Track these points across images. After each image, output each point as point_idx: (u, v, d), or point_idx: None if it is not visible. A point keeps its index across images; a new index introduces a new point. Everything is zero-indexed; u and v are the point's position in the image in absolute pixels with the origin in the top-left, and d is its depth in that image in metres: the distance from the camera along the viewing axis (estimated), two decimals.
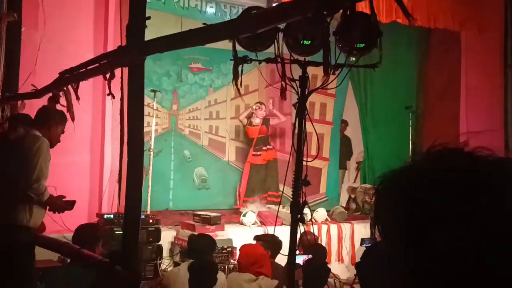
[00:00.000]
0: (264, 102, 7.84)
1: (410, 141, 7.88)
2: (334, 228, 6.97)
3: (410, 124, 7.96)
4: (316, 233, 6.46)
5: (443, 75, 8.51)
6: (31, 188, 3.53)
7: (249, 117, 7.85)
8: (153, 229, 5.57)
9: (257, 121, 7.79)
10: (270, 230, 6.26)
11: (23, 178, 3.56)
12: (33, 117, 3.91)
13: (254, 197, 7.33)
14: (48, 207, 3.70)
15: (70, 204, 3.75)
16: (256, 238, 5.13)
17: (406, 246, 0.68)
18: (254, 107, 7.76)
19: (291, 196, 3.35)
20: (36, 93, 4.15)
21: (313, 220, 6.61)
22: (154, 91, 6.81)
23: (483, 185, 0.67)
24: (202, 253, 4.22)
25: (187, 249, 4.63)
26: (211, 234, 5.78)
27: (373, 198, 0.75)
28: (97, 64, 3.23)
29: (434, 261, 0.66)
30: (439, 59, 8.58)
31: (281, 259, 4.51)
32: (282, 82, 3.28)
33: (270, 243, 4.82)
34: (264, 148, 7.72)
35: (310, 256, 4.71)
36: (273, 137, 8.10)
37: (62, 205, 3.70)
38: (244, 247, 4.77)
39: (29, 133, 3.71)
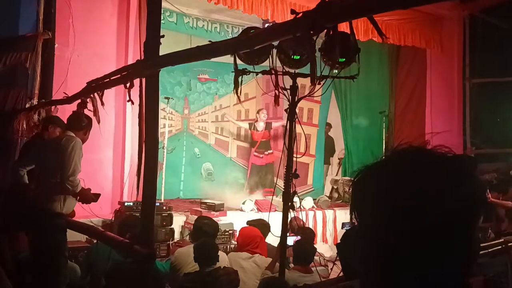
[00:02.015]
0: (264, 108, 7.79)
1: (383, 141, 7.90)
2: (319, 214, 6.98)
3: (384, 126, 8.00)
4: (304, 218, 6.46)
5: (411, 84, 8.53)
6: (68, 181, 3.56)
7: (254, 123, 7.82)
8: (166, 214, 5.57)
9: (261, 125, 7.76)
10: (265, 216, 6.25)
11: (61, 172, 3.59)
12: (64, 121, 3.93)
13: (254, 191, 7.35)
14: (78, 198, 3.71)
15: (96, 197, 3.79)
16: (248, 222, 5.12)
17: (376, 231, 0.68)
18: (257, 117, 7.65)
19: (283, 187, 3.35)
20: (67, 100, 4.14)
21: (301, 207, 6.62)
22: (167, 98, 6.80)
23: (439, 178, 0.67)
24: (208, 235, 4.20)
25: (193, 230, 4.61)
26: (215, 219, 5.79)
27: (351, 189, 0.75)
28: (119, 75, 3.22)
29: (398, 236, 0.66)
30: (408, 71, 8.60)
31: (274, 241, 4.51)
32: (276, 91, 3.27)
33: (260, 226, 4.82)
34: (265, 152, 7.70)
35: (299, 237, 4.71)
36: (274, 138, 8.06)
37: (90, 196, 3.73)
38: (242, 230, 4.77)
39: (65, 134, 3.74)
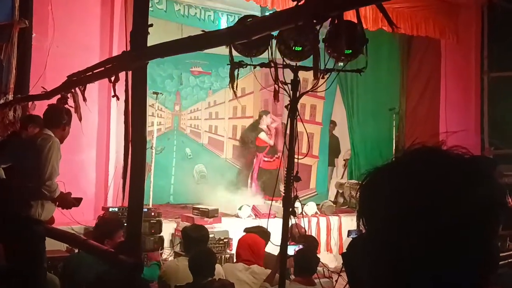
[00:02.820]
0: (269, 111, 7.79)
1: (393, 140, 7.91)
2: (323, 220, 6.98)
3: (394, 125, 8.00)
4: (306, 225, 6.46)
5: (424, 79, 8.54)
6: (44, 186, 3.53)
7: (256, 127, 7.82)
8: (155, 221, 5.56)
9: (264, 127, 7.75)
10: (263, 222, 6.25)
11: (37, 176, 3.57)
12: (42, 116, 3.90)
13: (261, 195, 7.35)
14: (57, 203, 3.70)
15: (78, 201, 3.75)
16: (246, 230, 5.12)
17: (387, 238, 0.69)
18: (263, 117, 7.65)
19: (283, 191, 3.35)
20: (46, 95, 4.13)
21: (303, 213, 6.62)
22: (156, 93, 6.79)
23: (455, 180, 0.68)
24: (199, 244, 4.20)
25: (184, 241, 4.60)
26: (209, 226, 5.77)
27: (359, 193, 0.75)
28: (103, 68, 3.21)
29: (412, 237, 0.67)
30: (420, 64, 8.61)
31: (274, 250, 4.51)
32: (275, 85, 3.28)
33: (259, 234, 4.82)
34: (275, 157, 7.71)
35: (300, 246, 4.71)
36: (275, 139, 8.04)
37: (70, 201, 3.71)
38: (243, 238, 4.77)
39: (41, 133, 3.71)
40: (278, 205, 6.19)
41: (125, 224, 3.26)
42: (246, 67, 3.31)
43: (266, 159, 7.74)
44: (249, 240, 4.69)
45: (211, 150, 8.49)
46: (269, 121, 7.80)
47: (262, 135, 7.76)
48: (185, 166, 8.07)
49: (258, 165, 7.81)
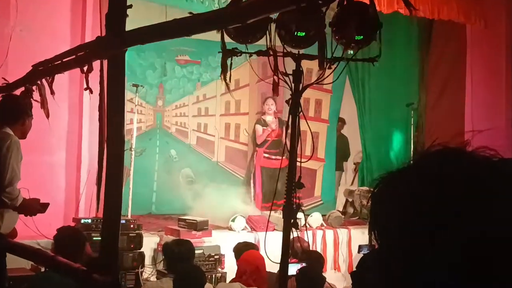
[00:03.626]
0: (271, 97, 7.66)
1: (412, 141, 7.93)
2: (330, 233, 6.99)
3: (412, 122, 8.02)
4: (310, 240, 6.47)
5: (447, 70, 8.56)
6: (4, 193, 3.49)
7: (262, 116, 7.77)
8: (135, 235, 5.55)
9: (268, 119, 7.67)
10: (260, 236, 6.26)
11: None
12: None
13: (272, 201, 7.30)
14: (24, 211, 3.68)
15: (43, 207, 3.71)
16: (238, 249, 5.09)
17: (405, 254, 0.69)
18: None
19: (284, 200, 3.35)
20: (7, 87, 4.10)
21: (307, 225, 6.62)
22: (136, 85, 6.78)
23: (483, 188, 0.68)
24: (183, 260, 4.19)
25: (166, 258, 4.59)
26: (197, 240, 5.77)
27: (370, 202, 0.75)
28: (74, 56, 3.20)
29: (438, 269, 0.66)
30: (442, 53, 8.63)
31: (273, 268, 4.51)
32: (275, 77, 3.28)
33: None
34: (277, 152, 7.62)
35: (304, 264, 4.72)
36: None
37: (36, 207, 3.67)
38: (245, 254, 4.78)
39: None
40: (277, 215, 6.20)
41: (100, 238, 3.25)
42: (240, 55, 3.32)
43: (266, 155, 7.66)
44: (258, 261, 4.67)
45: (200, 152, 8.48)
46: (273, 108, 7.66)
47: (257, 127, 7.73)
48: (170, 170, 8.06)
49: (259, 164, 7.77)
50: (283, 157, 7.42)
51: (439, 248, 0.67)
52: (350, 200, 8.26)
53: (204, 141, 8.57)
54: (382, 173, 0.75)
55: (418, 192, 0.70)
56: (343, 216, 7.51)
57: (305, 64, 3.37)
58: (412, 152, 7.78)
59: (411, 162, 0.75)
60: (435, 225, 0.68)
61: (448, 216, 0.67)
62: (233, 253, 5.16)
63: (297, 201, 3.34)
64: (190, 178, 8.12)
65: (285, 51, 3.20)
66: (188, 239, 5.14)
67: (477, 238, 0.66)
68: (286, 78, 3.27)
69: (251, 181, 7.87)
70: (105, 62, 2.80)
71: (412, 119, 8.04)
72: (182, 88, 8.38)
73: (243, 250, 4.92)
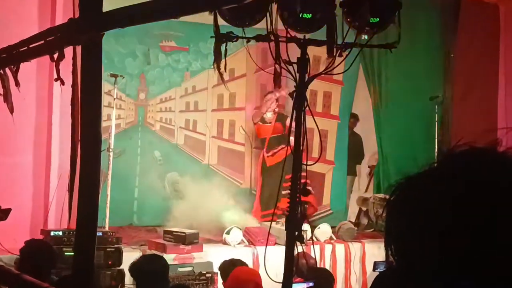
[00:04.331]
0: (273, 92, 7.71)
1: (436, 140, 7.93)
2: (340, 248, 7.00)
3: (436, 119, 8.01)
4: (318, 255, 6.48)
5: (477, 57, 8.56)
6: None
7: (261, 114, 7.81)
8: (113, 249, 5.55)
9: (268, 115, 7.75)
10: (260, 250, 6.27)
11: None
12: None
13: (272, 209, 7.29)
14: None
15: (5, 213, 3.73)
16: (222, 266, 5.08)
17: (427, 274, 0.69)
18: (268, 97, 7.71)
19: (287, 209, 3.36)
20: None
21: (314, 238, 6.63)
22: (115, 75, 6.78)
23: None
24: (158, 280, 4.18)
25: (135, 279, 4.56)
26: (186, 256, 5.77)
27: (385, 212, 0.75)
28: (43, 42, 3.20)
29: (459, 283, 0.67)
30: (471, 38, 8.62)
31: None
32: (276, 66, 3.29)
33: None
34: (280, 147, 7.66)
35: (310, 283, 4.72)
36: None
37: None
38: (236, 271, 4.77)
39: None
40: (279, 227, 6.20)
41: (73, 253, 3.26)
42: (236, 40, 3.32)
43: (267, 154, 7.74)
44: (253, 277, 4.66)
45: (189, 153, 8.48)
46: (273, 106, 7.73)
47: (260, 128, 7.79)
48: (154, 174, 8.06)
49: (258, 165, 7.80)
50: (280, 148, 7.62)
51: (468, 269, 0.67)
52: (364, 209, 8.26)
53: (193, 141, 8.57)
54: (400, 177, 0.76)
55: (440, 200, 0.70)
56: (356, 228, 7.52)
57: (312, 50, 3.37)
58: (435, 153, 7.78)
59: (434, 165, 0.75)
60: (462, 241, 0.68)
61: (477, 231, 0.68)
62: (219, 273, 5.15)
63: (303, 210, 3.35)
64: (177, 183, 8.12)
65: (288, 36, 3.21)
66: (158, 253, 5.15)
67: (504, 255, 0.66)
68: (290, 68, 3.28)
69: (249, 186, 7.88)
70: (79, 48, 2.80)
71: (436, 114, 8.03)
72: (168, 79, 8.38)
73: (230, 269, 4.89)
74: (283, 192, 6.40)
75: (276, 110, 7.78)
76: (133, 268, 4.47)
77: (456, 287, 0.68)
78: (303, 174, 3.61)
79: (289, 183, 5.41)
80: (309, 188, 5.92)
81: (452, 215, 0.69)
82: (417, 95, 8.47)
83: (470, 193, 0.68)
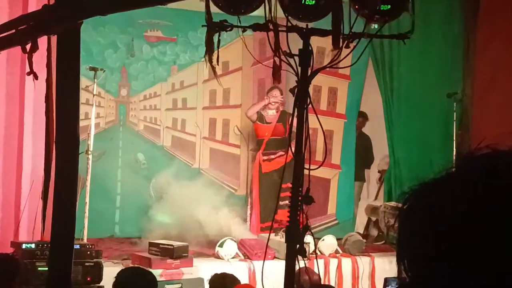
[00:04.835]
0: (277, 88, 7.69)
1: (454, 142, 7.94)
2: (347, 263, 7.00)
3: (454, 118, 8.03)
4: (322, 271, 6.48)
5: (500, 50, 8.57)
6: None
7: (261, 110, 7.77)
8: (92, 264, 5.54)
9: (270, 113, 7.73)
10: (257, 265, 6.27)
11: None
12: None
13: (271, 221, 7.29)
14: None
15: None
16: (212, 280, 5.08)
17: (442, 285, 0.69)
18: (266, 101, 7.67)
19: (287, 219, 3.36)
20: None
21: (318, 252, 6.63)
22: (94, 69, 6.79)
23: None
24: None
25: None
26: (174, 271, 5.76)
27: (398, 222, 0.76)
28: (13, 31, 3.20)
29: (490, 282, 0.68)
30: (494, 29, 8.64)
31: None
32: (276, 58, 3.29)
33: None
34: (279, 152, 7.63)
35: None
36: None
37: None
38: None
39: None
40: (279, 239, 6.20)
41: (47, 269, 3.26)
42: (231, 30, 3.33)
43: (264, 157, 7.72)
44: None
45: (177, 155, 8.48)
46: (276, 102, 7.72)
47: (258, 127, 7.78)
48: (137, 180, 8.06)
49: (255, 171, 7.79)
50: (279, 155, 7.60)
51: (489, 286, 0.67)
52: (374, 219, 8.26)
53: (181, 142, 8.57)
54: (414, 184, 0.76)
55: (458, 210, 0.70)
56: (364, 240, 7.52)
57: (316, 41, 3.38)
58: (454, 157, 7.79)
59: (452, 169, 0.76)
60: (483, 256, 0.68)
61: (500, 244, 0.68)
62: None
63: (305, 220, 3.35)
64: (164, 190, 8.12)
65: (289, 24, 3.21)
66: (145, 267, 5.14)
67: None
68: (291, 60, 3.28)
69: (245, 194, 7.87)
70: (54, 38, 2.80)
71: (455, 113, 8.04)
72: (153, 73, 8.39)
73: (221, 283, 4.89)
74: (281, 203, 6.41)
75: (281, 108, 7.75)
76: (117, 284, 4.46)
77: None
78: (306, 179, 3.62)
79: (288, 193, 5.44)
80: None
81: (473, 230, 0.69)
82: (433, 92, 8.48)
83: (492, 204, 0.69)
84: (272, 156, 7.69)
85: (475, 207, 0.70)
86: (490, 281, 0.68)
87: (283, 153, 7.63)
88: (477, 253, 0.69)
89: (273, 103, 7.70)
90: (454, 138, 7.94)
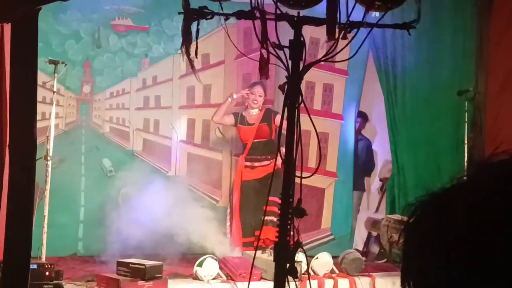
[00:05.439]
0: (259, 84, 7.70)
1: (466, 146, 7.98)
2: (344, 284, 7.01)
3: (466, 119, 8.07)
4: None
5: None
6: None
7: (231, 113, 7.78)
8: (52, 286, 5.53)
9: (252, 113, 7.74)
10: (241, 287, 6.26)
11: None
12: None
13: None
14: None
15: None
16: None
17: None
18: (229, 99, 7.71)
19: (273, 237, 3.37)
20: None
21: (311, 271, 6.64)
22: (54, 62, 6.76)
23: None
24: None
25: None
26: None
27: (402, 237, 0.76)
28: None
29: None
30: (510, 19, 8.70)
31: None
32: (263, 50, 3.30)
33: None
34: (263, 160, 7.64)
35: None
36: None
37: None
38: None
39: None
40: (266, 257, 6.19)
41: None
42: (211, 18, 3.33)
43: (247, 163, 7.73)
44: None
45: (149, 162, 8.46)
46: (260, 100, 7.75)
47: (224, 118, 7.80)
48: (103, 190, 8.03)
49: (238, 179, 7.79)
50: (266, 163, 7.61)
51: None
52: (375, 234, 8.28)
53: (154, 146, 8.55)
54: (420, 194, 0.76)
55: (471, 226, 0.71)
56: (364, 259, 7.54)
57: (309, 31, 3.39)
58: (466, 163, 7.83)
59: (464, 178, 0.76)
60: (499, 261, 0.69)
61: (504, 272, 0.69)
62: None
63: (296, 236, 3.36)
64: (135, 201, 8.10)
65: (278, 12, 3.22)
66: None
67: None
68: (280, 53, 3.29)
69: (227, 205, 7.86)
70: (8, 27, 2.79)
71: (467, 113, 8.08)
72: (121, 67, 8.36)
73: None
74: (267, 218, 6.43)
75: (260, 104, 7.75)
76: None
77: None
78: (297, 189, 3.63)
79: (274, 208, 5.44)
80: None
81: (487, 232, 0.69)
82: (442, 89, 8.52)
83: (510, 219, 0.69)
84: (256, 164, 7.70)
85: (490, 213, 0.70)
86: (507, 285, 0.69)
87: (267, 162, 7.65)
88: (492, 259, 0.70)
89: (254, 101, 7.70)
90: (466, 142, 7.98)
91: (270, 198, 4.19)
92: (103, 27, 8.19)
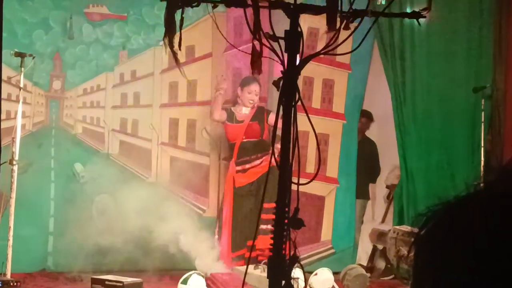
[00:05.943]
0: (256, 81, 7.73)
1: (482, 149, 8.00)
2: None
3: (482, 119, 8.08)
4: None
5: None
6: None
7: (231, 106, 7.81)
8: None
9: (243, 110, 7.77)
10: None
11: None
12: None
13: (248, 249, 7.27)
14: None
15: None
16: None
17: None
18: (221, 92, 7.73)
19: (270, 247, 3.38)
20: None
21: None
22: (20, 55, 6.75)
23: None
24: None
25: None
26: None
27: (412, 251, 0.76)
28: None
29: None
30: None
31: None
32: (255, 42, 3.31)
33: None
34: (254, 160, 7.66)
35: None
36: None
37: None
38: None
39: None
40: (258, 273, 6.20)
41: None
42: (198, 5, 3.34)
43: (238, 168, 7.73)
44: None
45: (127, 166, 8.46)
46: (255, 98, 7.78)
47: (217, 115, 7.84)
48: (75, 197, 8.02)
49: (228, 185, 7.81)
50: (258, 162, 7.60)
51: None
52: (381, 247, 8.30)
53: (133, 149, 8.54)
54: (432, 203, 0.77)
55: (491, 236, 0.72)
56: (368, 275, 7.56)
57: (307, 21, 3.41)
58: (482, 168, 7.85)
59: (481, 185, 0.76)
60: None
61: None
62: None
63: (292, 249, 3.37)
64: (111, 211, 8.10)
65: None
66: None
67: None
68: (275, 45, 3.30)
69: (215, 215, 7.86)
70: None
71: (483, 112, 8.10)
72: (95, 60, 8.35)
73: None
74: (263, 227, 6.44)
75: (253, 102, 7.76)
76: None
77: None
78: (294, 197, 3.63)
79: (271, 215, 5.44)
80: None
81: (510, 254, 0.70)
82: (455, 85, 8.55)
83: None
84: (247, 166, 7.70)
85: (511, 223, 0.71)
86: None
87: (259, 161, 7.65)
88: None
89: (250, 101, 7.72)
90: (482, 145, 8.00)
91: (267, 205, 4.19)
92: (76, 16, 8.17)
